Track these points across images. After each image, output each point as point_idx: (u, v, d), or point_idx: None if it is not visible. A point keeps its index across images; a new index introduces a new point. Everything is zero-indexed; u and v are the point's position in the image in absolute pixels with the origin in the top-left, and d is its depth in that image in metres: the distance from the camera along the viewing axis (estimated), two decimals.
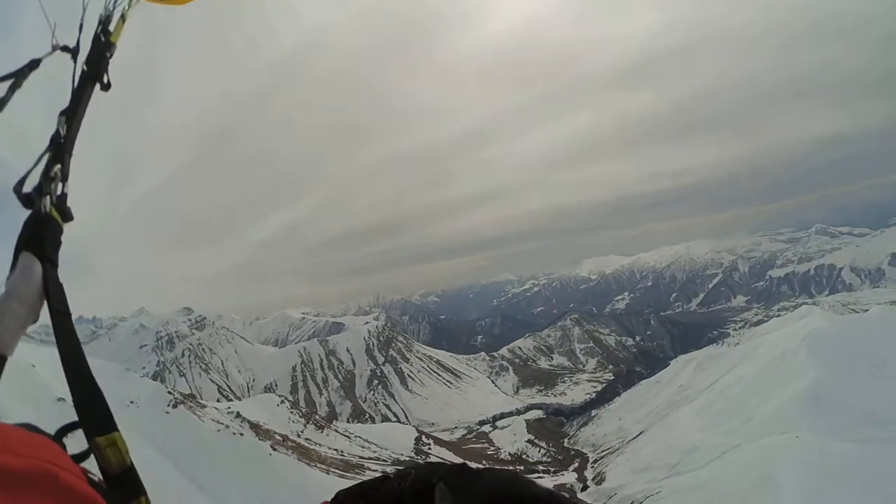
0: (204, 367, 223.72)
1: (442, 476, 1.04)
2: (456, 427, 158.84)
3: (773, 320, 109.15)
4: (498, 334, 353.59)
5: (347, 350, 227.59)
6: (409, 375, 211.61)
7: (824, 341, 56.49)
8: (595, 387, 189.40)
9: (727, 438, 51.39)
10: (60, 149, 1.51)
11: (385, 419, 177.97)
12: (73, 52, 1.67)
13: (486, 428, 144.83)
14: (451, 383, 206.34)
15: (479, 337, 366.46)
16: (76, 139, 1.56)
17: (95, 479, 0.95)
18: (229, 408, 75.93)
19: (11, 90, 1.47)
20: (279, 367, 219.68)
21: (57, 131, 1.52)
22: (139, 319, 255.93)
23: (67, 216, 1.44)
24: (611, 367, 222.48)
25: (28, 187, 1.40)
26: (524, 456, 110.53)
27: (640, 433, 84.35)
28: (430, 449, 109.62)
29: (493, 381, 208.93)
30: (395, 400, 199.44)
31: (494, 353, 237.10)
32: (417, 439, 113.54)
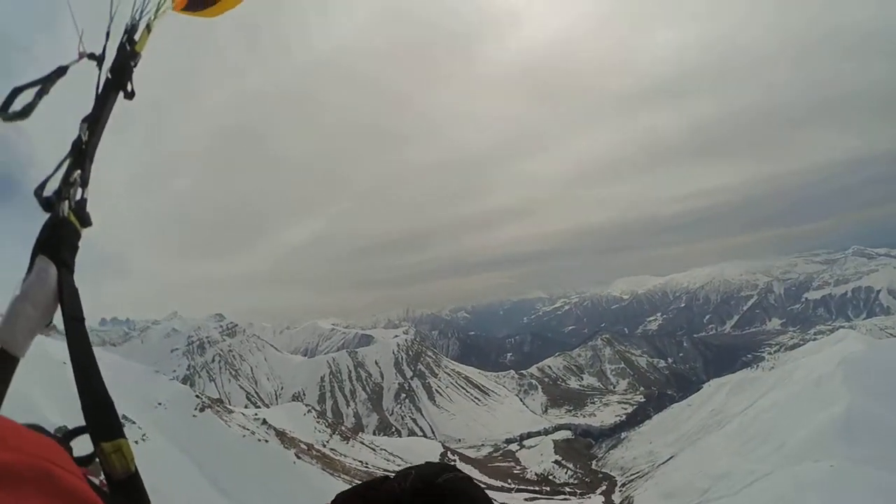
0: (233, 373, 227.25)
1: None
2: (482, 444, 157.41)
3: (809, 344, 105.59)
4: (527, 352, 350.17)
5: (376, 363, 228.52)
6: (436, 390, 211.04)
7: (861, 366, 54.40)
8: (625, 408, 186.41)
9: (759, 465, 49.70)
10: (81, 155, 1.53)
11: (411, 433, 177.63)
12: (99, 60, 1.70)
13: (513, 447, 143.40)
14: (478, 400, 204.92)
15: (509, 354, 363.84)
16: (98, 146, 1.59)
17: (97, 482, 0.97)
18: (256, 414, 76.79)
19: (39, 96, 1.50)
20: (308, 376, 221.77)
21: (79, 137, 1.55)
22: (171, 323, 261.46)
23: (86, 221, 1.46)
24: (642, 388, 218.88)
25: (49, 192, 1.43)
26: (551, 476, 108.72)
27: (671, 457, 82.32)
28: (455, 465, 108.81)
29: (521, 400, 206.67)
30: (422, 414, 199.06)
31: (523, 372, 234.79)
32: (443, 455, 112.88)
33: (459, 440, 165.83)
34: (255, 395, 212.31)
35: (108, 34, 1.73)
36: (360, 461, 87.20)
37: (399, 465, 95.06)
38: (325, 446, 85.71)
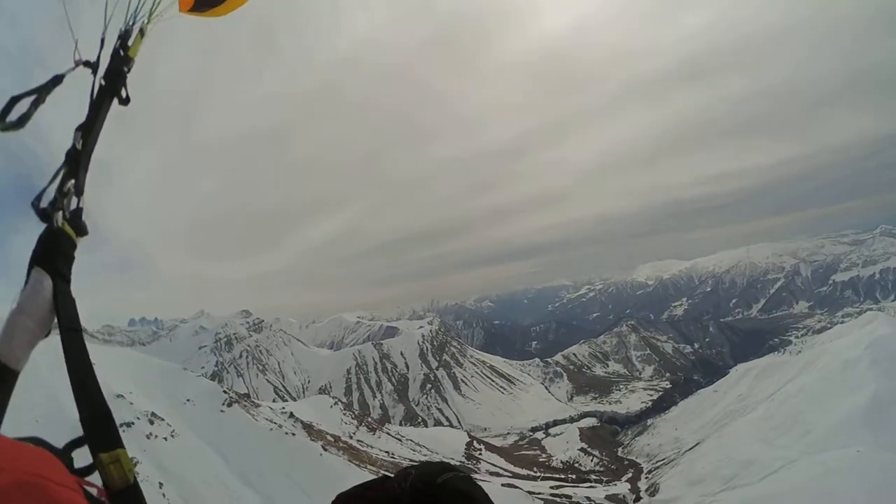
0: (261, 368, 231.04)
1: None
2: (508, 433, 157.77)
3: (837, 327, 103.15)
4: (552, 340, 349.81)
5: (401, 354, 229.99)
6: (462, 380, 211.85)
7: (888, 349, 53.17)
8: (651, 395, 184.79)
9: (785, 451, 49.18)
10: (76, 164, 1.54)
11: (437, 423, 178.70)
12: (94, 67, 1.71)
13: (539, 434, 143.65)
14: (504, 389, 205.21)
15: (534, 343, 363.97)
16: (92, 154, 1.59)
17: (94, 493, 0.96)
18: (283, 408, 78.07)
19: (35, 105, 1.50)
20: (334, 369, 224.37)
21: (73, 146, 1.56)
22: (199, 321, 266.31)
23: (82, 231, 1.46)
24: (668, 375, 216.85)
25: (45, 202, 1.44)
26: (576, 464, 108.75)
27: (697, 444, 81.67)
28: (481, 454, 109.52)
29: (546, 388, 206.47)
30: (447, 404, 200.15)
31: (549, 360, 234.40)
32: (469, 444, 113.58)
33: (485, 429, 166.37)
34: (283, 389, 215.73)
35: (102, 41, 1.74)
36: (386, 452, 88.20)
37: (425, 456, 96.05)
38: (351, 438, 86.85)
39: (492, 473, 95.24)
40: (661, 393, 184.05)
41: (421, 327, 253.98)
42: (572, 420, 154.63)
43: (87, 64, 1.69)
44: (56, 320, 1.28)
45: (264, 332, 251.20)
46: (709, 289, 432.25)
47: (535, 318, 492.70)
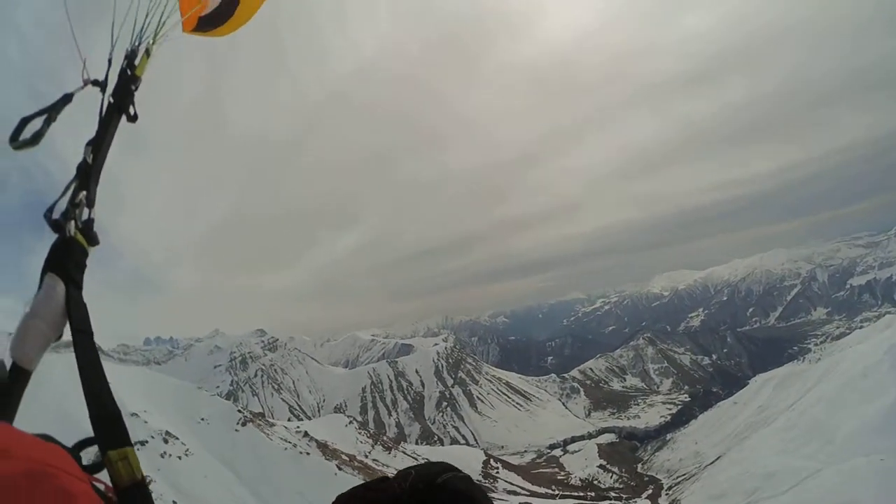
0: (276, 386, 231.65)
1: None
2: (525, 450, 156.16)
3: (856, 332, 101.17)
4: (568, 355, 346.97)
5: (416, 372, 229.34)
6: (478, 397, 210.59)
7: None
8: (670, 409, 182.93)
9: (808, 462, 48.09)
10: (86, 177, 1.61)
11: (454, 441, 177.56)
12: (102, 86, 1.79)
13: (557, 452, 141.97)
14: (520, 406, 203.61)
15: (549, 358, 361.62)
16: (102, 168, 1.67)
17: (101, 488, 1.00)
18: (298, 427, 77.93)
19: (47, 123, 1.57)
20: (349, 387, 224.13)
21: (84, 160, 1.63)
22: (214, 340, 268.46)
23: (93, 240, 1.53)
24: (686, 387, 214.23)
25: (57, 214, 1.51)
26: (595, 482, 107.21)
27: (718, 458, 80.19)
28: (498, 473, 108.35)
29: (563, 404, 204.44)
30: (464, 422, 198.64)
31: (565, 375, 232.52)
32: (486, 462, 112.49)
33: (502, 447, 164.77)
34: (298, 408, 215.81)
35: (109, 61, 1.83)
36: None
37: None
38: (367, 457, 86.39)
39: (509, 492, 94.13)
40: (680, 406, 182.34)
41: (436, 344, 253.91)
42: (590, 436, 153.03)
43: (95, 83, 1.78)
44: (68, 323, 1.33)
45: (279, 350, 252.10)
46: (725, 298, 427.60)
47: (550, 332, 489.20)
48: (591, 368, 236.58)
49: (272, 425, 68.11)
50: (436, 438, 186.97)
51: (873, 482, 33.88)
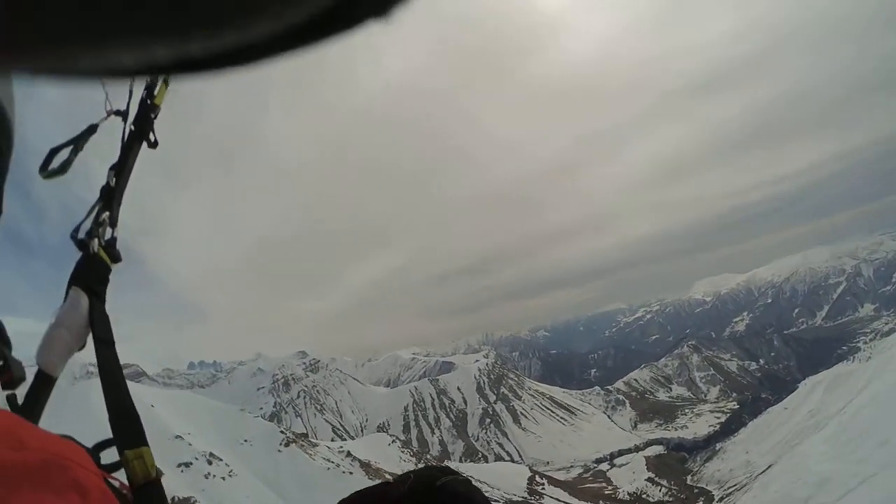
0: (319, 407, 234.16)
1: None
2: (571, 465, 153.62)
3: None
4: (612, 367, 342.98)
5: (458, 389, 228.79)
6: (521, 413, 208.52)
7: None
8: (718, 418, 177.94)
9: (862, 467, 45.99)
10: (109, 198, 1.71)
11: (498, 458, 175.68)
12: (124, 116, 1.88)
13: (604, 466, 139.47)
14: (565, 420, 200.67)
15: (593, 370, 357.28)
16: (124, 190, 1.79)
17: (116, 484, 1.01)
18: (341, 447, 78.47)
19: (74, 153, 1.65)
20: (391, 407, 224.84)
21: (107, 183, 1.74)
22: (256, 363, 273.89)
23: (116, 258, 1.62)
24: (734, 395, 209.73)
25: (82, 234, 1.61)
26: (644, 495, 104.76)
27: (769, 466, 77.64)
28: (543, 489, 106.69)
29: (609, 417, 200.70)
30: (507, 438, 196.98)
31: (609, 387, 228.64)
32: (531, 479, 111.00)
33: (547, 462, 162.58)
34: (341, 428, 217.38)
35: (130, 92, 1.91)
36: None
37: (486, 492, 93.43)
38: None
39: None
40: (728, 414, 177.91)
41: (477, 361, 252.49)
42: (637, 449, 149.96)
43: (117, 113, 1.86)
44: (91, 333, 1.40)
45: (321, 372, 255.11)
46: (769, 300, 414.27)
47: (592, 344, 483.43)
48: (635, 379, 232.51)
49: (315, 445, 68.73)
50: (479, 455, 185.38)
51: None
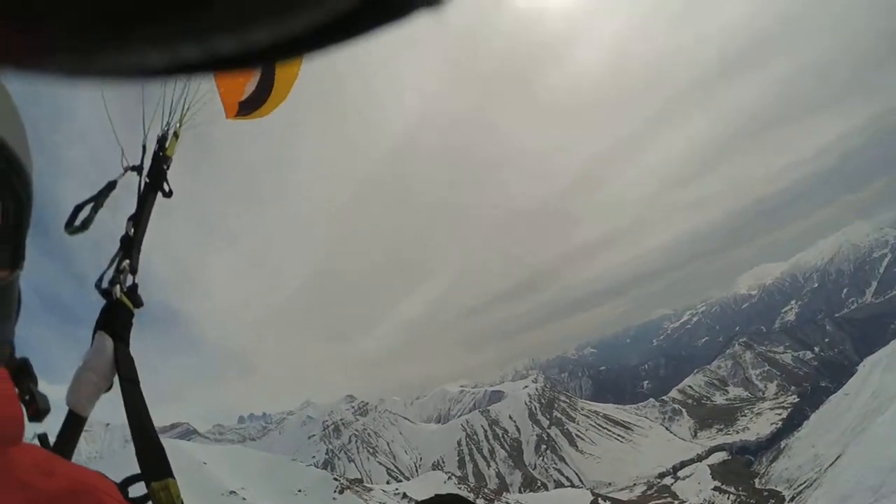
0: (371, 450, 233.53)
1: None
2: (634, 484, 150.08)
3: None
4: (664, 376, 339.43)
5: (510, 418, 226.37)
6: (577, 435, 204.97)
7: None
8: (779, 414, 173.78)
9: None
10: (129, 248, 1.86)
11: (558, 484, 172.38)
12: (139, 169, 2.06)
13: (667, 480, 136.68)
14: (622, 437, 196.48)
15: (645, 382, 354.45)
16: (143, 239, 1.93)
17: None
18: (396, 489, 78.68)
19: (94, 210, 1.78)
20: (444, 443, 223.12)
21: (126, 233, 1.89)
22: (305, 411, 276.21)
23: (138, 303, 1.75)
24: (793, 388, 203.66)
25: (105, 283, 1.76)
26: None
27: (837, 457, 75.03)
28: None
29: (667, 428, 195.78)
30: (566, 463, 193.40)
31: (664, 398, 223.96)
32: (593, 503, 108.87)
33: (609, 484, 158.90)
34: (396, 470, 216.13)
35: (143, 147, 2.12)
36: None
37: None
38: None
39: None
40: (789, 409, 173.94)
41: (526, 387, 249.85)
42: (700, 458, 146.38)
43: (133, 168, 2.04)
44: (117, 374, 1.53)
45: (370, 414, 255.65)
46: (816, 285, 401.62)
47: (641, 356, 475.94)
48: (689, 386, 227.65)
49: (370, 490, 69.21)
50: (539, 484, 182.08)
51: None
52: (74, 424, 1.45)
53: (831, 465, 75.73)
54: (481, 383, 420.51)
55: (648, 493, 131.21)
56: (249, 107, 2.80)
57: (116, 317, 1.64)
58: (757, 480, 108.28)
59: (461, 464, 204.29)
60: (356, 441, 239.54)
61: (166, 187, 2.11)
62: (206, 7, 0.55)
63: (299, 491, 54.15)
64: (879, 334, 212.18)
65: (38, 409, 1.13)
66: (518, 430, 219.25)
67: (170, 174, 2.12)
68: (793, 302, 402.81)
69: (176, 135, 2.25)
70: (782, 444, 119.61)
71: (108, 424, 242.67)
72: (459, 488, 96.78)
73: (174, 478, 1.21)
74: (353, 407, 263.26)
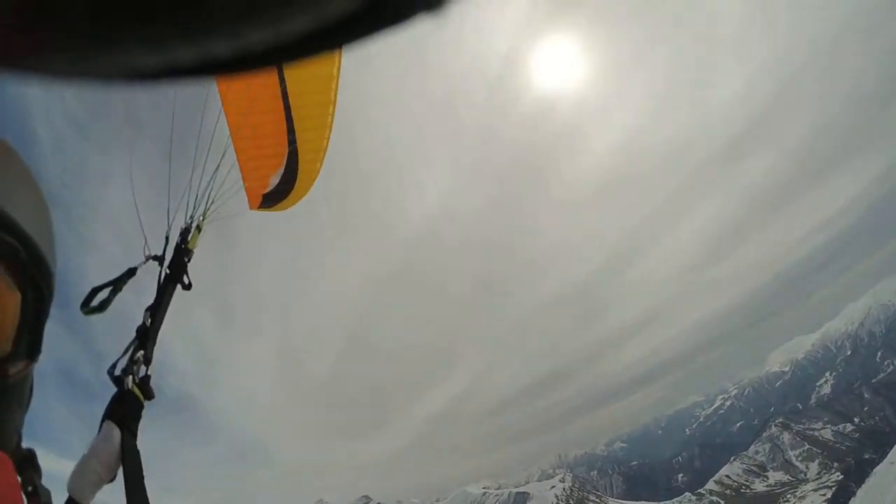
0: None
1: None
2: None
3: None
4: (699, 467, 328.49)
5: None
6: None
7: None
8: (825, 495, 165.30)
9: None
10: (145, 338, 1.85)
11: None
12: (160, 260, 2.10)
13: None
14: None
15: (679, 475, 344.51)
16: (159, 330, 1.92)
17: None
18: None
19: (113, 294, 1.83)
20: None
21: (143, 323, 1.89)
22: None
23: (150, 394, 1.73)
24: (836, 465, 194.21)
25: (118, 371, 1.75)
26: None
27: None
28: None
29: None
30: None
31: (701, 490, 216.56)
32: None
33: None
34: None
35: (167, 238, 2.17)
36: None
37: None
38: None
39: None
40: (834, 488, 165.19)
41: (553, 487, 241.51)
42: None
43: (154, 258, 2.10)
44: (121, 467, 1.50)
45: None
46: (849, 352, 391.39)
47: (674, 447, 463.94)
48: (727, 476, 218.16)
49: None
50: None
51: None
52: None
53: None
54: (506, 484, 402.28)
55: None
56: (273, 199, 2.93)
57: (126, 407, 1.64)
58: None
59: None
60: None
61: (186, 280, 2.13)
62: (198, 8, 0.56)
63: None
64: None
65: (41, 503, 1.14)
66: None
67: (193, 263, 2.16)
68: (827, 374, 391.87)
69: (199, 228, 2.31)
70: None
71: None
72: None
73: None
74: None
